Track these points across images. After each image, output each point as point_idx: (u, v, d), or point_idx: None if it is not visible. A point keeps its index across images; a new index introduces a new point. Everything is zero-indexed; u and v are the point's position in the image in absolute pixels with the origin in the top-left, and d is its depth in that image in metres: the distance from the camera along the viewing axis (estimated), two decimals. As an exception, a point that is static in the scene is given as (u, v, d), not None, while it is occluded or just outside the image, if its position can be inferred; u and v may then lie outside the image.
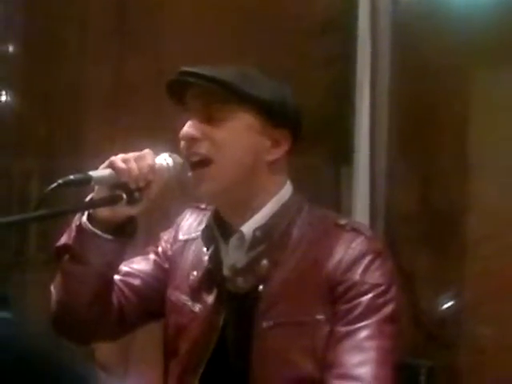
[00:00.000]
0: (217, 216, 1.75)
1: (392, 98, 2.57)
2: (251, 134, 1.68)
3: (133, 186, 1.63)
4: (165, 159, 1.69)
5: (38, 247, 3.11)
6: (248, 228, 1.69)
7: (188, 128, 1.68)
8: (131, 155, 1.64)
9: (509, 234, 2.52)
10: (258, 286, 1.68)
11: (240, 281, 1.70)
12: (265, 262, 1.68)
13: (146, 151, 1.66)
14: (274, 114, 1.69)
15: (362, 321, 1.62)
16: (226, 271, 1.72)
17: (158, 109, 2.71)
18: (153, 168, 1.64)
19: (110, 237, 1.66)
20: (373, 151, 2.57)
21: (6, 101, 3.23)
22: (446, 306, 2.53)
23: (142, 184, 1.63)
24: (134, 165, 1.62)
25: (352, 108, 2.56)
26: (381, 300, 1.63)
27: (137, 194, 1.64)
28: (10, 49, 3.25)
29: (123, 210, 1.64)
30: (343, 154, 2.71)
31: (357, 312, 1.62)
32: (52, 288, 1.74)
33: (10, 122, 3.22)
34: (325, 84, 2.51)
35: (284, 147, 1.71)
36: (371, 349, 1.60)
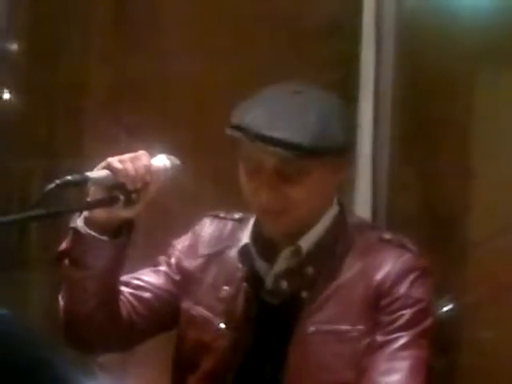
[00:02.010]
0: (257, 233, 1.75)
1: (395, 101, 2.57)
2: (325, 183, 1.70)
3: (130, 187, 1.63)
4: (162, 161, 1.69)
5: (38, 247, 3.11)
6: (305, 242, 1.72)
7: (268, 199, 1.66)
8: (126, 156, 1.64)
9: (509, 238, 2.52)
10: (300, 293, 1.70)
11: (284, 284, 1.71)
12: (310, 268, 1.71)
13: (141, 152, 1.66)
14: (344, 157, 1.72)
15: (400, 332, 1.66)
16: (267, 283, 1.73)
17: (160, 108, 2.71)
18: (149, 168, 1.64)
19: (106, 238, 1.65)
20: (375, 155, 2.57)
21: (7, 100, 3.23)
22: (445, 308, 2.53)
23: (139, 185, 1.63)
24: (129, 165, 1.62)
25: (355, 112, 2.55)
26: (421, 315, 1.69)
27: (134, 196, 1.63)
28: (12, 47, 3.24)
29: (119, 212, 1.64)
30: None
31: (397, 324, 1.67)
32: (60, 298, 1.73)
33: (11, 122, 3.21)
34: (328, 87, 2.50)
35: (345, 170, 1.75)
36: (405, 358, 1.65)
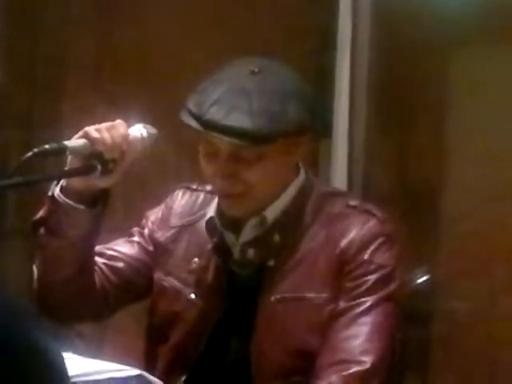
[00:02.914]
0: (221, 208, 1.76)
1: (371, 74, 2.58)
2: (282, 162, 1.71)
3: (107, 155, 1.64)
4: (139, 130, 1.70)
5: (17, 217, 3.12)
6: (270, 212, 1.72)
7: (224, 184, 1.68)
8: (104, 125, 1.65)
9: (483, 213, 2.54)
10: (267, 262, 1.72)
11: (250, 253, 1.72)
12: (276, 236, 1.72)
13: (118, 121, 1.67)
14: (303, 135, 1.71)
15: (363, 297, 1.67)
16: (235, 253, 1.73)
17: (139, 81, 2.72)
18: (125, 137, 1.65)
19: (82, 207, 1.66)
20: (351, 129, 2.58)
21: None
22: (419, 280, 2.56)
23: (116, 154, 1.64)
24: (106, 134, 1.63)
25: (332, 83, 2.57)
26: (384, 280, 1.69)
27: (111, 165, 1.64)
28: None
29: (96, 181, 1.65)
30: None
31: (360, 290, 1.68)
32: (34, 266, 1.74)
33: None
34: (305, 58, 2.52)
35: (306, 146, 1.74)
36: (365, 324, 1.66)
